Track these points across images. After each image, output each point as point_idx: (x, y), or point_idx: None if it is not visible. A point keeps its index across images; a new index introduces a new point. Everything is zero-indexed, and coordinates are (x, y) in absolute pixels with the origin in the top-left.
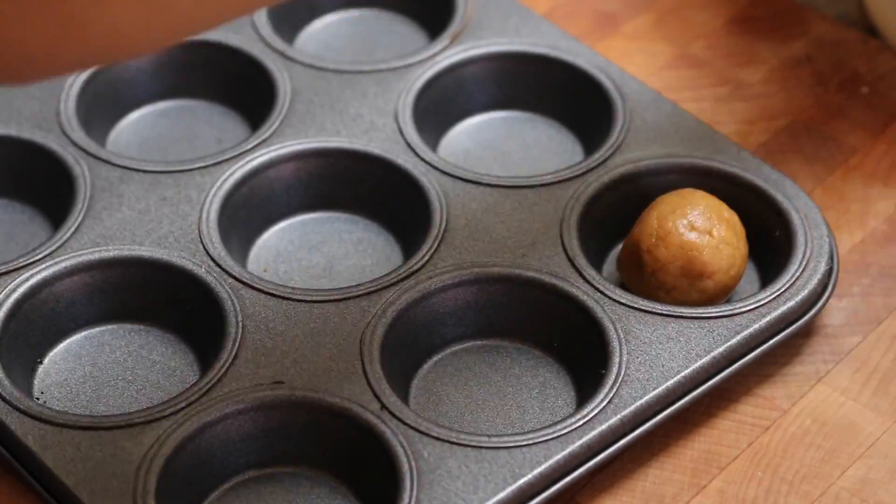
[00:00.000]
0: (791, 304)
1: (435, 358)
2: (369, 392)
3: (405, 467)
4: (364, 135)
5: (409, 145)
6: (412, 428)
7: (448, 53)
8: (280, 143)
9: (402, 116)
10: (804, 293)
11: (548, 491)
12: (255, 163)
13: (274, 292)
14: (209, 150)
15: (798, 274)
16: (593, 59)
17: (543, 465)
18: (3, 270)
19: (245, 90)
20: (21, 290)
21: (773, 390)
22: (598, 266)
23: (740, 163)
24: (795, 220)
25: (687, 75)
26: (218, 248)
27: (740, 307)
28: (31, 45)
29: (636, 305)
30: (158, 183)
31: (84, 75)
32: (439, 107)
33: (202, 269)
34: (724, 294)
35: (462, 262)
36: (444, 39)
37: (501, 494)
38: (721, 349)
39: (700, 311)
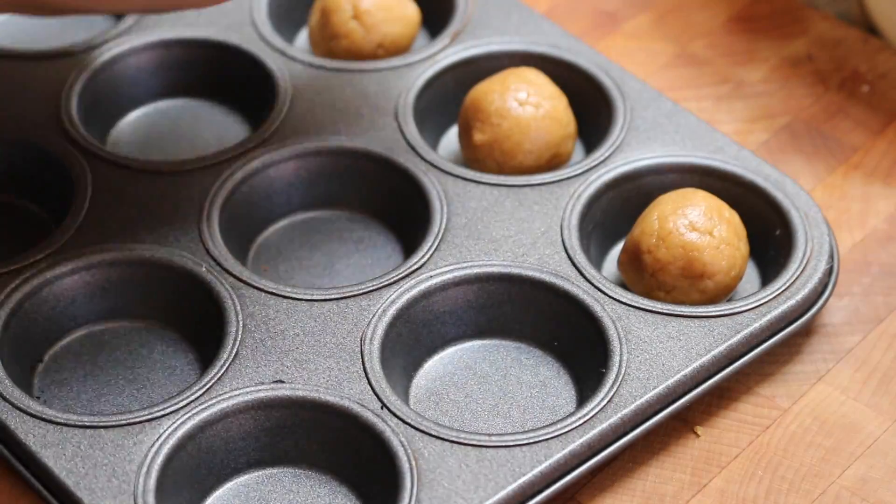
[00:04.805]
0: (791, 302)
1: (435, 357)
2: (370, 391)
3: (405, 466)
4: (364, 134)
5: (409, 144)
6: (412, 427)
7: (449, 52)
8: (280, 142)
9: (402, 115)
10: (804, 292)
11: (548, 490)
12: (255, 162)
13: (274, 291)
14: (210, 148)
15: (798, 273)
16: (594, 58)
17: (544, 464)
18: (4, 270)
19: (246, 89)
20: (22, 289)
21: (774, 389)
22: (598, 265)
23: (741, 162)
24: (796, 218)
25: (687, 74)
26: (218, 247)
27: (740, 306)
28: None
29: (636, 304)
30: (159, 182)
31: (85, 74)
32: (440, 106)
33: (203, 268)
34: (724, 294)
35: (462, 260)
36: (444, 38)
37: (502, 493)
38: (721, 348)
39: (700, 310)
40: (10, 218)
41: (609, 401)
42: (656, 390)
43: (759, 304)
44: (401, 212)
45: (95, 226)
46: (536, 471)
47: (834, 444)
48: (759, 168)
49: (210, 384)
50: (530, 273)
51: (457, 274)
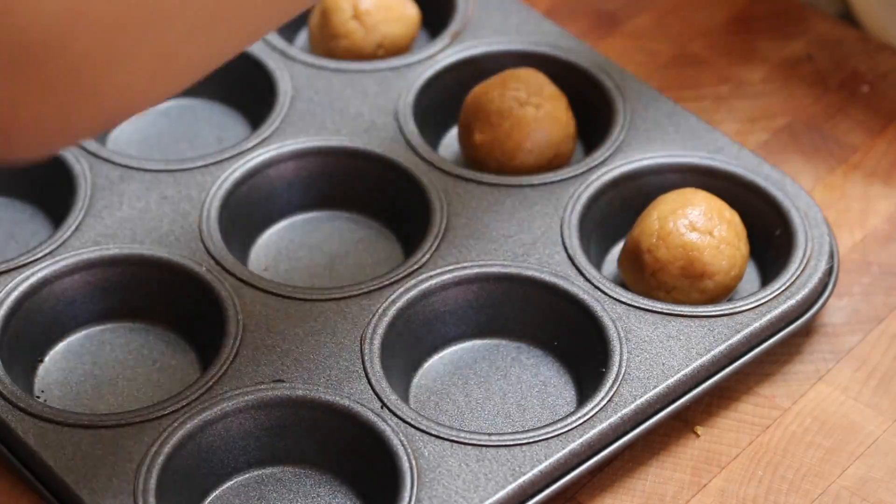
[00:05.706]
0: (791, 302)
1: (435, 356)
2: (370, 390)
3: (405, 466)
4: (365, 134)
5: (409, 144)
6: (412, 426)
7: (449, 52)
8: (280, 141)
9: (402, 115)
10: (804, 292)
11: (548, 489)
12: (255, 161)
13: (274, 291)
14: (210, 148)
15: (798, 273)
16: (593, 58)
17: (544, 464)
18: (4, 269)
19: (246, 89)
20: (22, 288)
21: (774, 389)
22: (598, 266)
23: (741, 162)
24: (796, 218)
25: (687, 74)
26: (218, 247)
27: (741, 306)
28: (46, 122)
29: (636, 304)
30: (159, 182)
31: None
32: (440, 106)
33: (203, 268)
34: (724, 294)
35: (462, 260)
36: (444, 38)
37: (502, 493)
38: (721, 348)
39: (700, 309)
40: (10, 216)
41: (609, 400)
42: (656, 390)
43: (759, 304)
44: (401, 212)
45: (95, 226)
46: (536, 470)
47: (834, 444)
48: (759, 168)
49: (210, 384)
50: (530, 273)
51: (457, 274)
